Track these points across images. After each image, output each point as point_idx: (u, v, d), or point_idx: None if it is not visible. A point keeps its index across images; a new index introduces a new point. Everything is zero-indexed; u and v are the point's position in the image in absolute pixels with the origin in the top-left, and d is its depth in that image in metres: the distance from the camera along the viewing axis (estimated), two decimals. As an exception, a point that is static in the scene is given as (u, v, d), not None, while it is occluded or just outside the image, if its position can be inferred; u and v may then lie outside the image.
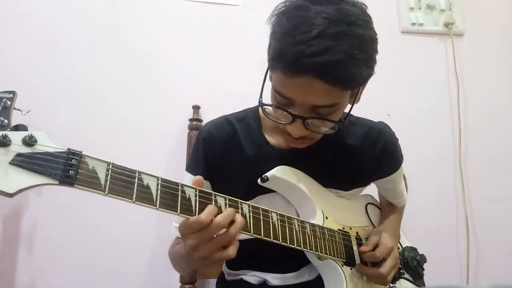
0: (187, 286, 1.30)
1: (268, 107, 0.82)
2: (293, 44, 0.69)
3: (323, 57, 0.67)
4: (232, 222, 0.68)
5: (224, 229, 0.67)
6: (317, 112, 0.76)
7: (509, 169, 1.69)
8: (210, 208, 0.67)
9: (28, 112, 0.73)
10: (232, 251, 0.67)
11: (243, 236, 0.86)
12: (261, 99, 0.83)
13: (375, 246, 0.90)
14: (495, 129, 1.72)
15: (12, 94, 0.68)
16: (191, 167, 0.95)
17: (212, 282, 1.32)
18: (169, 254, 1.00)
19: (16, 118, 0.65)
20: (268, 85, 0.83)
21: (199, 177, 0.71)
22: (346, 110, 0.84)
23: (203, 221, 0.64)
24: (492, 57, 1.78)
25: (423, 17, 1.75)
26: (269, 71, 0.82)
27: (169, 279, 1.38)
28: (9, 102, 0.66)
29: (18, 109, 0.69)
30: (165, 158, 1.48)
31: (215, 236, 0.66)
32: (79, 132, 1.42)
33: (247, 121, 0.95)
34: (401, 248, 1.04)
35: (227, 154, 0.91)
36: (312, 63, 0.68)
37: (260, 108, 0.96)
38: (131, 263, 1.39)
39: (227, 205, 0.73)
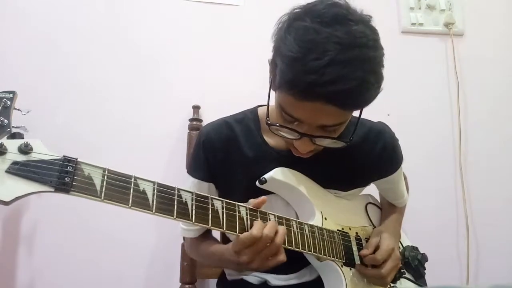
0: (187, 286, 1.30)
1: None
2: (305, 72, 0.68)
3: (337, 86, 0.67)
4: (276, 232, 0.74)
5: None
6: (324, 129, 0.77)
7: (509, 169, 1.69)
8: (259, 223, 0.73)
9: (28, 112, 0.73)
10: (282, 256, 0.75)
11: None
12: (268, 118, 0.82)
13: (376, 248, 0.90)
14: (495, 129, 1.72)
15: (12, 94, 0.68)
16: (193, 170, 0.95)
17: (212, 282, 1.32)
18: (196, 253, 1.04)
19: (16, 118, 0.65)
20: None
21: (264, 198, 0.78)
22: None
23: (255, 236, 0.70)
24: (492, 57, 1.77)
25: (423, 17, 1.75)
26: (272, 84, 0.81)
27: (169, 279, 1.39)
28: (9, 102, 0.66)
29: (18, 109, 0.69)
30: (165, 158, 1.48)
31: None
32: (79, 132, 1.42)
33: (246, 122, 0.94)
34: (402, 248, 1.04)
35: (226, 156, 0.91)
36: (325, 92, 0.68)
37: (258, 110, 0.96)
38: (131, 263, 1.39)
39: (225, 208, 0.73)
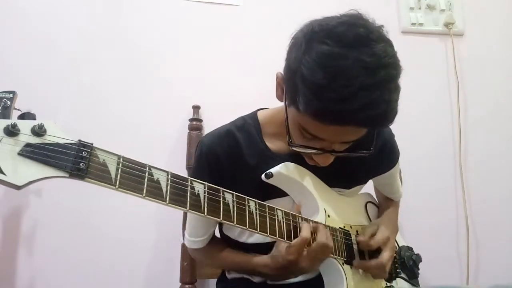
0: (187, 286, 1.30)
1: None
2: (334, 100, 0.66)
3: (368, 112, 0.67)
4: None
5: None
6: (345, 142, 0.78)
7: (509, 169, 1.68)
8: (307, 225, 0.80)
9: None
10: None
11: (251, 240, 0.89)
12: (290, 140, 0.81)
13: (372, 237, 0.92)
14: (495, 129, 1.72)
15: (12, 94, 0.68)
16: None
17: (212, 282, 1.32)
18: (208, 260, 1.08)
19: (16, 118, 0.65)
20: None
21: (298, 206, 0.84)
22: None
23: (306, 237, 0.77)
24: (492, 57, 1.77)
25: (423, 17, 1.75)
26: (288, 102, 0.79)
27: (169, 279, 1.38)
28: (9, 102, 0.66)
29: (18, 109, 0.68)
30: (165, 158, 1.48)
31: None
32: (79, 132, 1.39)
33: (247, 129, 0.93)
34: (397, 247, 1.04)
35: (230, 165, 0.91)
36: (357, 118, 0.68)
37: (258, 115, 0.96)
38: (131, 263, 1.39)
39: (235, 202, 0.73)
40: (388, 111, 0.70)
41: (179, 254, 1.33)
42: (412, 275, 1.02)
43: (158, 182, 0.63)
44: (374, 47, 0.68)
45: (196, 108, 1.50)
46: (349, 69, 0.66)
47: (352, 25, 0.70)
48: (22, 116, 0.57)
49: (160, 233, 1.42)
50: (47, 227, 1.36)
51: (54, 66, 1.47)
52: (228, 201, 0.72)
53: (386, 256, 0.89)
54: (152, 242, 1.42)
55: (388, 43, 0.73)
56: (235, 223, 0.72)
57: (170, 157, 1.48)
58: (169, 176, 0.65)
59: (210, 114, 1.52)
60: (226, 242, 0.99)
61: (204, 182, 0.70)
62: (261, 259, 0.86)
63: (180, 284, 1.31)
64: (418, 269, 1.04)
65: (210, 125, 1.46)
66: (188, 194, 0.66)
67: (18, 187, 0.50)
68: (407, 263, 1.00)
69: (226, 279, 1.05)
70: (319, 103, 0.68)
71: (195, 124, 1.47)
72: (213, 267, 1.22)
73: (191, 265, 1.30)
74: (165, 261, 1.41)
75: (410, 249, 1.06)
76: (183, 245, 1.32)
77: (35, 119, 0.57)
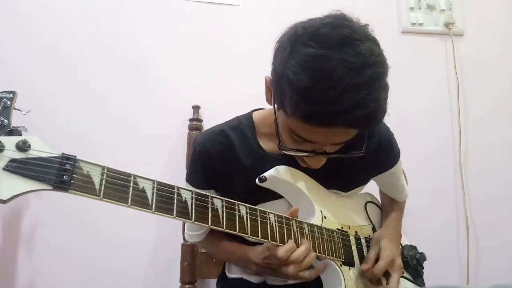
0: (187, 286, 1.30)
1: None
2: (321, 102, 0.66)
3: (355, 112, 0.66)
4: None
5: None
6: (336, 144, 0.78)
7: (509, 169, 1.68)
8: (290, 245, 0.78)
9: (28, 112, 0.73)
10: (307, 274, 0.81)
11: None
12: (280, 144, 0.81)
13: (376, 260, 0.90)
14: (495, 129, 1.71)
15: (12, 94, 0.68)
16: (191, 179, 0.94)
17: (212, 282, 1.32)
18: (209, 249, 1.14)
19: (16, 118, 0.65)
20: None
21: (296, 208, 0.84)
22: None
23: (281, 257, 0.76)
24: (492, 57, 1.77)
25: (423, 17, 1.75)
26: (276, 105, 0.79)
27: (169, 279, 1.39)
28: (9, 102, 0.66)
29: (18, 109, 0.69)
30: (165, 158, 1.48)
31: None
32: (79, 132, 1.42)
33: (241, 129, 0.93)
34: (400, 247, 1.04)
35: (224, 164, 0.91)
36: (345, 119, 0.67)
37: (253, 115, 0.96)
38: (131, 262, 1.39)
39: (224, 207, 0.73)
40: (376, 110, 0.69)
41: (179, 254, 1.33)
42: (417, 274, 1.01)
43: (143, 191, 0.64)
44: (358, 47, 0.67)
45: (196, 108, 1.51)
46: (334, 70, 0.65)
47: (336, 26, 0.69)
48: (10, 132, 0.60)
49: (160, 233, 1.42)
50: (47, 227, 1.36)
51: (54, 66, 1.47)
52: (217, 206, 0.72)
53: (395, 280, 0.88)
54: (152, 242, 1.42)
55: (374, 41, 0.72)
56: (224, 228, 0.72)
57: (170, 157, 1.48)
58: (155, 184, 0.65)
59: (210, 114, 1.52)
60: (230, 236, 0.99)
61: (191, 189, 0.71)
62: (254, 252, 0.86)
63: (180, 284, 1.31)
64: (423, 268, 1.04)
65: (210, 125, 1.44)
66: (175, 201, 0.67)
67: (3, 201, 0.53)
68: (410, 262, 1.00)
69: (226, 278, 1.05)
70: (306, 106, 0.68)
71: (195, 124, 1.47)
72: (215, 256, 1.25)
73: (191, 265, 1.30)
74: (165, 261, 1.41)
75: (413, 248, 1.05)
76: (183, 245, 1.33)
77: (21, 134, 0.60)
